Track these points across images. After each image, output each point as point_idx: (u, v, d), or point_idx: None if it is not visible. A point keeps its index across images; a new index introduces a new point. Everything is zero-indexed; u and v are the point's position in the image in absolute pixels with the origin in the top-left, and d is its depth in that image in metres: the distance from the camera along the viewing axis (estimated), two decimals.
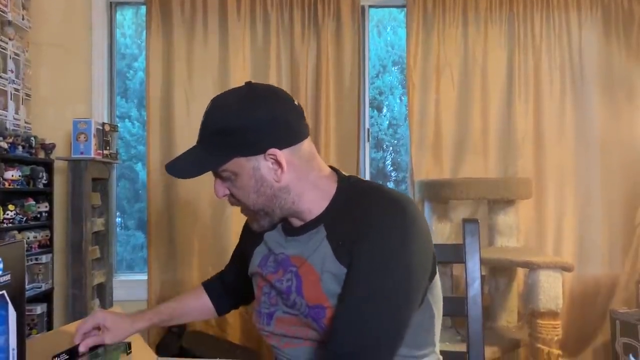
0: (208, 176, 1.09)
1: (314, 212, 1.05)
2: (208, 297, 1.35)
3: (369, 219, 0.97)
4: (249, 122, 0.99)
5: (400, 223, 0.97)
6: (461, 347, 1.33)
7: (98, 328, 1.22)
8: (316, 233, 1.04)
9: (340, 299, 0.96)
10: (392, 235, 0.96)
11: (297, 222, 1.07)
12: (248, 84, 1.05)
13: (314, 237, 1.04)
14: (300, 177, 1.03)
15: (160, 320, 1.31)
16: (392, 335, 0.93)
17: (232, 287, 1.34)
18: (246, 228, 1.23)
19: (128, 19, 3.51)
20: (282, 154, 1.00)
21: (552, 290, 2.46)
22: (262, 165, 1.01)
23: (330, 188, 1.06)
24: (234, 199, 1.06)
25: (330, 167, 1.11)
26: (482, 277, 1.75)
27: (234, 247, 1.34)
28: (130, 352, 1.29)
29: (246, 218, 1.15)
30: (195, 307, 1.35)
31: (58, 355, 1.05)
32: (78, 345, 1.15)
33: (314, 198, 1.05)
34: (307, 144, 1.05)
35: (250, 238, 1.18)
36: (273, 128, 0.99)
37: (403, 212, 0.98)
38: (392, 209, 0.98)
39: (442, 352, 1.14)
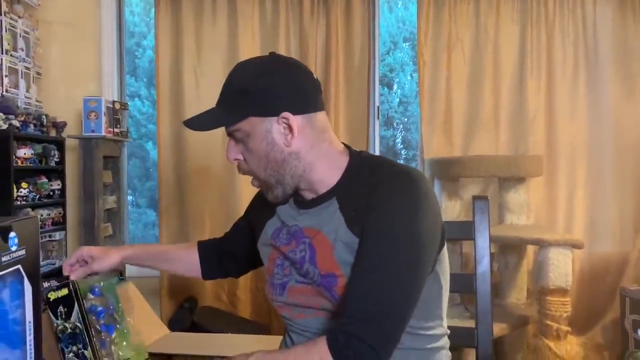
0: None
1: (326, 184, 1.07)
2: (197, 256, 1.36)
3: (380, 190, 1.00)
4: (266, 84, 1.02)
5: (411, 194, 0.99)
6: (470, 324, 1.34)
7: (85, 262, 1.28)
8: (329, 205, 1.06)
9: (353, 268, 0.99)
10: (403, 205, 0.99)
11: (309, 195, 1.09)
12: (272, 53, 1.09)
13: (327, 209, 1.06)
14: (312, 146, 1.05)
15: (147, 255, 1.36)
16: (404, 301, 0.95)
17: (226, 256, 1.35)
18: (256, 201, 1.25)
19: None
20: (295, 119, 1.02)
21: (562, 268, 2.46)
22: (274, 128, 1.03)
23: (342, 162, 1.08)
24: (245, 165, 1.08)
25: (342, 143, 1.13)
26: (492, 255, 1.76)
27: None
28: (124, 278, 1.37)
29: (256, 192, 1.17)
30: (183, 259, 1.37)
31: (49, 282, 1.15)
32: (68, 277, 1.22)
33: (325, 169, 1.07)
34: (321, 116, 1.07)
35: (261, 211, 1.19)
36: (289, 92, 1.02)
37: (414, 184, 1.00)
38: (403, 181, 1.01)
39: (451, 328, 1.15)
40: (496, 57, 3.19)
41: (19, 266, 0.81)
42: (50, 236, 2.83)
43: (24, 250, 0.82)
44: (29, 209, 2.66)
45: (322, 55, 3.17)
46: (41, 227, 2.74)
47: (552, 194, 3.18)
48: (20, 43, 2.81)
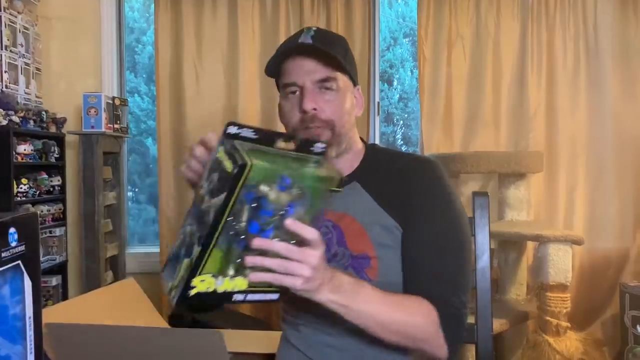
0: None
1: (350, 166, 1.14)
2: None
3: (417, 175, 1.10)
4: (353, 56, 1.17)
5: (446, 178, 1.11)
6: (470, 319, 1.34)
7: None
8: (353, 188, 1.12)
9: (416, 250, 1.06)
10: (446, 188, 1.10)
11: None
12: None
13: (352, 192, 1.11)
14: (355, 125, 1.17)
15: None
16: (470, 275, 1.11)
17: None
18: None
19: None
20: (361, 97, 1.18)
21: (562, 264, 2.46)
22: (355, 94, 1.16)
23: (360, 148, 1.18)
24: (322, 114, 1.08)
25: None
26: (492, 251, 1.76)
27: None
28: (339, 191, 0.91)
29: None
30: None
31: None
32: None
33: (356, 152, 1.16)
34: None
35: None
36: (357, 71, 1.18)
37: (442, 170, 1.12)
38: (435, 167, 1.12)
39: None
40: (496, 53, 3.18)
41: (19, 262, 0.81)
42: (50, 232, 2.83)
43: (23, 245, 0.82)
44: (29, 205, 2.67)
45: None
46: (41, 223, 2.74)
47: (552, 190, 3.18)
48: (20, 39, 2.80)
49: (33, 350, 0.85)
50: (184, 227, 0.90)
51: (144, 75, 4.25)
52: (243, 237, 0.81)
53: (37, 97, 2.96)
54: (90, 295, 2.22)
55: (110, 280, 3.02)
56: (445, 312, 1.01)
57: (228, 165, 0.79)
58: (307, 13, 3.16)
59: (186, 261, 0.82)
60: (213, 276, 0.81)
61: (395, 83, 4.20)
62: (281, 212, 0.82)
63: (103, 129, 2.84)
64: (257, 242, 0.79)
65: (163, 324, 1.60)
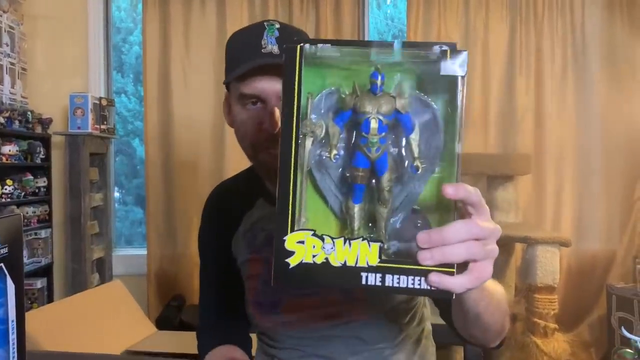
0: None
1: None
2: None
3: None
4: None
5: None
6: None
7: None
8: None
9: None
10: None
11: None
12: None
13: None
14: None
15: None
16: None
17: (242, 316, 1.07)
18: (209, 225, 1.14)
19: None
20: None
21: (550, 265, 2.47)
22: None
23: None
24: None
25: None
26: None
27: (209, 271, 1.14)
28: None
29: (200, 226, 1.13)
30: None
31: None
32: None
33: None
34: None
35: (220, 230, 1.07)
36: None
37: None
38: None
39: (439, 326, 1.14)
40: (485, 56, 3.20)
41: (2, 264, 0.79)
42: (35, 234, 2.79)
43: (6, 248, 0.80)
44: (14, 207, 2.63)
45: None
46: (27, 225, 2.70)
47: (539, 192, 3.20)
48: (5, 38, 2.77)
49: (16, 355, 0.83)
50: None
51: (131, 76, 4.21)
52: (346, 172, 0.58)
53: (22, 97, 2.93)
54: (76, 298, 2.20)
55: (97, 282, 2.98)
56: None
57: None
58: (296, 13, 3.15)
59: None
60: (315, 235, 0.57)
61: None
62: (389, 123, 0.57)
63: (89, 130, 2.81)
64: (423, 238, 0.54)
65: (150, 326, 1.59)
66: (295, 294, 0.97)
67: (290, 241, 0.56)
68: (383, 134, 0.57)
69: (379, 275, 0.56)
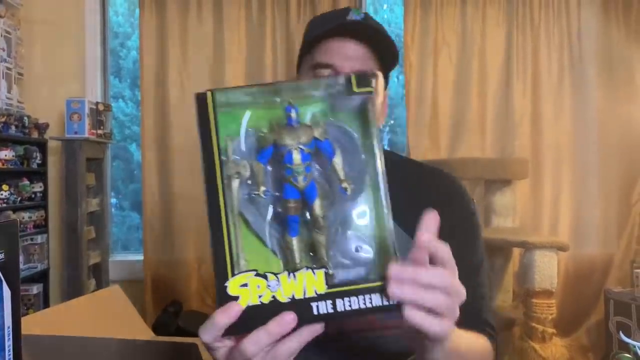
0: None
1: None
2: None
3: (437, 187, 0.98)
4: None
5: (464, 190, 1.01)
6: None
7: None
8: None
9: None
10: (469, 203, 1.00)
11: None
12: None
13: None
14: None
15: None
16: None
17: None
18: None
19: None
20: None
21: (547, 270, 2.47)
22: (384, 95, 0.98)
23: None
24: None
25: None
26: None
27: None
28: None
29: None
30: None
31: None
32: None
33: None
34: None
35: None
36: None
37: (459, 181, 1.02)
38: (451, 178, 1.01)
39: None
40: (482, 61, 3.20)
41: None
42: (32, 239, 2.78)
43: (2, 254, 0.79)
44: (10, 212, 2.62)
45: None
46: (23, 230, 2.69)
47: (537, 197, 3.20)
48: (2, 43, 2.76)
49: None
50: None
51: (128, 80, 4.21)
52: (278, 207, 0.57)
53: (19, 102, 2.92)
54: (73, 303, 2.18)
55: (93, 288, 2.97)
56: (490, 335, 0.92)
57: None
58: (293, 19, 3.16)
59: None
60: (258, 275, 0.56)
61: None
62: (311, 152, 0.58)
63: (86, 135, 2.80)
64: (395, 272, 0.54)
65: (147, 331, 1.57)
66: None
67: (233, 286, 0.56)
68: (307, 162, 0.58)
69: (329, 302, 0.56)
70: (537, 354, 2.52)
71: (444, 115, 3.20)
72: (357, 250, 0.58)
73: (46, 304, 2.88)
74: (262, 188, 0.58)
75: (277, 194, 0.58)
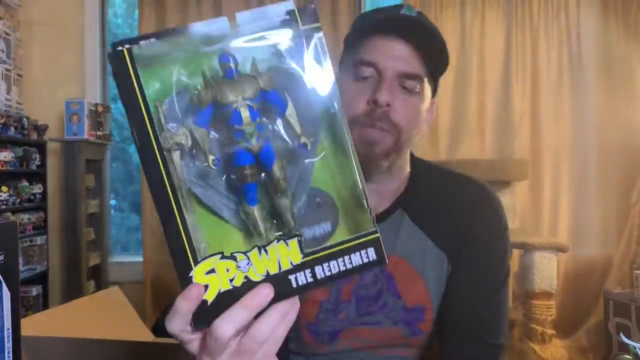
0: None
1: (395, 191, 0.92)
2: None
3: (471, 204, 0.92)
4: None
5: (502, 211, 0.95)
6: None
7: None
8: (399, 220, 0.91)
9: (459, 290, 0.89)
10: (497, 217, 0.94)
11: (377, 207, 0.91)
12: None
13: (398, 224, 0.90)
14: None
15: None
16: (507, 313, 0.94)
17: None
18: None
19: None
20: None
21: (547, 271, 2.47)
22: (431, 108, 0.93)
23: (408, 169, 0.95)
24: (392, 114, 0.84)
25: None
26: None
27: None
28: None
29: None
30: None
31: None
32: None
33: (404, 174, 0.94)
34: None
35: None
36: None
37: (494, 195, 0.96)
38: (491, 197, 0.95)
39: None
40: (481, 61, 3.20)
41: None
42: (31, 241, 2.78)
43: (2, 255, 0.79)
44: (9, 214, 2.61)
45: None
46: (22, 232, 2.69)
47: (536, 198, 3.20)
48: (1, 44, 2.76)
49: None
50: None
51: None
52: (232, 175, 0.50)
53: (18, 103, 2.92)
54: (73, 304, 2.18)
55: (93, 289, 2.96)
56: (491, 356, 0.89)
57: None
58: None
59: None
60: (225, 257, 0.50)
61: None
62: (260, 107, 0.50)
63: (85, 136, 2.80)
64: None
65: (147, 333, 1.57)
66: (360, 322, 0.90)
67: (199, 275, 0.49)
68: (257, 120, 0.50)
69: (307, 272, 0.50)
70: (536, 356, 2.52)
71: (443, 117, 3.20)
72: (319, 206, 0.51)
73: (45, 306, 2.87)
74: (211, 157, 0.49)
75: (228, 161, 0.50)
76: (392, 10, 0.87)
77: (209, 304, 0.49)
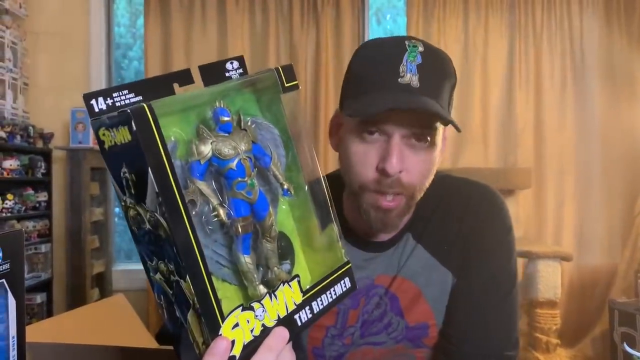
0: None
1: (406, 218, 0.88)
2: None
3: (474, 214, 0.89)
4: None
5: (508, 215, 0.91)
6: None
7: None
8: (404, 243, 0.89)
9: (463, 301, 0.86)
10: (501, 222, 0.90)
11: (385, 235, 0.88)
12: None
13: (404, 247, 0.89)
14: None
15: None
16: (517, 323, 0.90)
17: None
18: None
19: (122, 7, 3.47)
20: None
21: (551, 280, 2.46)
22: (444, 135, 0.84)
23: None
24: (404, 177, 0.78)
25: None
26: None
27: None
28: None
29: None
30: None
31: None
32: None
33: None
34: None
35: None
36: None
37: (500, 199, 0.92)
38: (497, 203, 0.91)
39: None
40: (485, 70, 3.21)
41: (3, 280, 0.79)
42: (36, 248, 2.79)
43: (8, 264, 0.80)
44: (14, 221, 2.63)
45: (312, 67, 3.18)
46: (27, 240, 2.70)
47: (540, 206, 3.20)
48: (8, 53, 2.78)
49: None
50: (150, 279, 0.57)
51: None
52: (228, 229, 0.52)
53: (24, 112, 2.94)
54: (77, 312, 2.18)
55: (97, 297, 2.97)
56: None
57: (124, 134, 0.45)
58: (296, 30, 3.17)
59: (191, 314, 0.48)
60: (245, 309, 0.49)
61: None
62: (251, 160, 0.51)
63: (91, 144, 2.82)
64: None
65: (151, 341, 1.57)
66: (363, 343, 0.90)
67: (226, 332, 0.48)
68: (254, 171, 0.51)
69: (307, 309, 0.53)
70: None
71: (447, 125, 3.20)
72: (281, 248, 0.54)
73: (50, 313, 2.88)
74: (222, 210, 0.49)
75: (227, 213, 0.50)
76: (389, 77, 0.75)
77: (237, 358, 0.48)
